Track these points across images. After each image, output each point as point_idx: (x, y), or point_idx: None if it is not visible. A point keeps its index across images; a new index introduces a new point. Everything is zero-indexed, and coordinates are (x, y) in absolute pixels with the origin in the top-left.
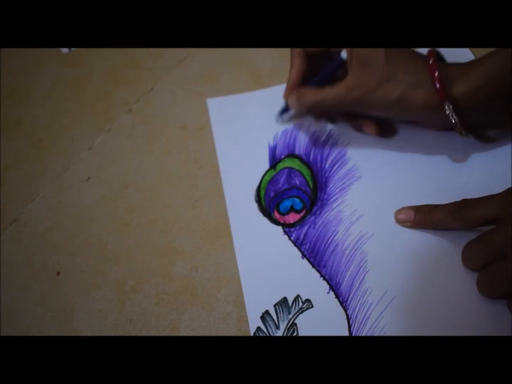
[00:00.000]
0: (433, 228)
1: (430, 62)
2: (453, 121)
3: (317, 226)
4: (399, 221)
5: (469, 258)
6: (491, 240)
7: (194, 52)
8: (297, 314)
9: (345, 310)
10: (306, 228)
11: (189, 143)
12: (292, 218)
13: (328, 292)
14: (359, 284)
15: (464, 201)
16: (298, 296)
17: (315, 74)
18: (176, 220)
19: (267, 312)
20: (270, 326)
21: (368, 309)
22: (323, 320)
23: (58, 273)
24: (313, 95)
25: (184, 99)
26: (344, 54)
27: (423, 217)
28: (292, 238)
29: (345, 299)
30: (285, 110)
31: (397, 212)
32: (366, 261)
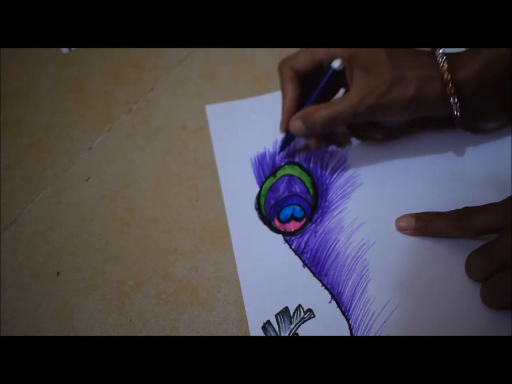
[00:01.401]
0: (434, 236)
1: (436, 53)
2: (456, 112)
3: (318, 234)
4: (400, 229)
5: (472, 269)
6: (492, 251)
7: (194, 52)
8: (298, 324)
9: (347, 320)
10: (307, 236)
11: (189, 143)
12: (292, 226)
13: (330, 302)
14: (361, 293)
15: (465, 209)
16: (299, 306)
17: (307, 94)
18: (176, 220)
19: (268, 322)
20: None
21: (370, 319)
22: (325, 330)
23: (58, 273)
24: (324, 111)
25: (184, 99)
26: (335, 63)
27: (424, 225)
28: (293, 247)
29: (347, 308)
30: (287, 141)
31: (398, 220)
32: (368, 269)
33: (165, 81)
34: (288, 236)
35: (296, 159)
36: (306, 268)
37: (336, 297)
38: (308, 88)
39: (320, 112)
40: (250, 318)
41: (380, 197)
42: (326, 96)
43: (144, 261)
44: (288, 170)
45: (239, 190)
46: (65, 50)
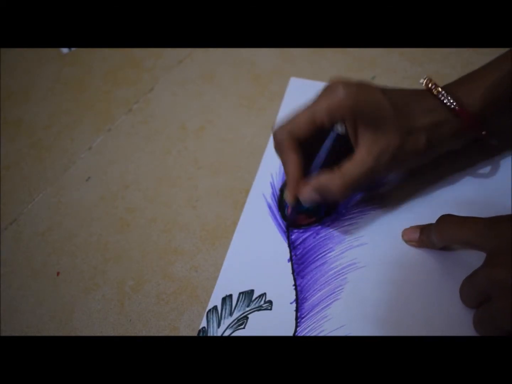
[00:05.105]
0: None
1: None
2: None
3: (318, 237)
4: (406, 241)
5: (463, 298)
6: (476, 282)
7: (194, 52)
8: (254, 310)
9: (296, 327)
10: (307, 234)
11: (189, 143)
12: (301, 220)
13: (292, 303)
14: (323, 308)
15: (443, 217)
16: (264, 294)
17: (309, 156)
18: (176, 220)
19: (230, 296)
20: (225, 310)
21: (316, 335)
22: (272, 327)
23: (58, 273)
24: (339, 181)
25: (184, 99)
26: (338, 128)
27: (426, 238)
28: (290, 238)
29: (303, 316)
30: (297, 212)
31: (404, 232)
32: (342, 289)
33: (165, 81)
34: (292, 226)
35: None
36: (289, 263)
37: (299, 301)
38: (309, 150)
39: (335, 182)
40: (217, 286)
41: (395, 227)
42: (331, 158)
43: (144, 261)
44: None
45: (277, 166)
46: (65, 50)
